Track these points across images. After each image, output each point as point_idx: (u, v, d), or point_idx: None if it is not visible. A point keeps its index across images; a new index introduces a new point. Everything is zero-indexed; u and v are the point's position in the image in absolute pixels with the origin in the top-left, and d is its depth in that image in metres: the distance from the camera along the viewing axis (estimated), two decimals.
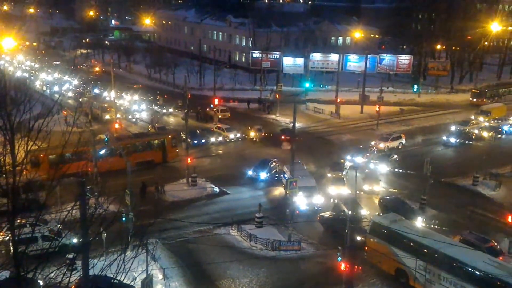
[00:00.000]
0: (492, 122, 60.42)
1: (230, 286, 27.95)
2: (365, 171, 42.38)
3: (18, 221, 14.05)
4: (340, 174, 41.99)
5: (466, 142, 53.94)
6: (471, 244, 28.41)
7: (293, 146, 36.08)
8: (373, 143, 51.63)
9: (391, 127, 60.80)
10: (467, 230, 31.77)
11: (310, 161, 47.47)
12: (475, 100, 72.53)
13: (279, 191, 41.20)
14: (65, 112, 55.73)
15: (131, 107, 66.94)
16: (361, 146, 50.14)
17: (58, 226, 27.85)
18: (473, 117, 61.88)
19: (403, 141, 53.15)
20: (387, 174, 43.68)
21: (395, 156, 47.15)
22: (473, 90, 75.08)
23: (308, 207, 36.86)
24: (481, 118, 61.32)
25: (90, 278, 14.74)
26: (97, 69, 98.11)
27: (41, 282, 16.84)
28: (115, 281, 14.81)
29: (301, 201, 36.84)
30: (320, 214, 35.68)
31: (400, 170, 43.64)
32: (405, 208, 34.83)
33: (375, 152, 49.12)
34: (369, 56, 75.03)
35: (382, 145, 50.77)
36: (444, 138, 55.03)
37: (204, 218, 36.10)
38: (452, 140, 54.39)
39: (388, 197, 37.81)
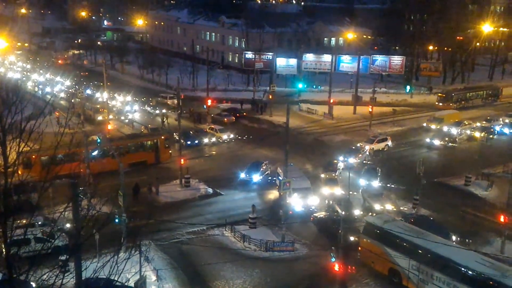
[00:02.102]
0: (484, 123, 60.65)
1: (223, 287, 27.90)
2: (363, 186, 39.96)
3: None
4: (333, 174, 42.04)
5: (450, 144, 53.08)
6: None
7: (287, 147, 36.06)
8: (358, 145, 51.21)
9: (383, 127, 61.03)
10: None
11: (303, 162, 47.53)
12: (441, 104, 69.72)
13: (272, 192, 41.17)
14: (57, 113, 55.48)
15: (124, 108, 66.73)
16: (353, 147, 50.23)
17: (51, 227, 27.77)
18: (425, 124, 60.63)
19: (389, 143, 52.68)
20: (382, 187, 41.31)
21: (378, 169, 43.69)
22: (439, 94, 72.51)
23: (304, 208, 36.84)
24: (433, 126, 59.38)
25: (92, 280, 14.66)
26: (59, 61, 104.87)
27: (33, 284, 16.71)
28: (118, 283, 14.74)
29: (296, 203, 36.85)
30: (314, 214, 35.76)
31: (393, 185, 41.59)
32: (435, 228, 31.13)
33: (367, 153, 49.20)
34: (361, 57, 75.30)
35: (367, 147, 50.29)
36: (428, 140, 54.46)
37: (198, 219, 36.02)
38: (436, 142, 53.66)
39: (415, 216, 34.57)
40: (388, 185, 41.20)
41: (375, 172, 42.18)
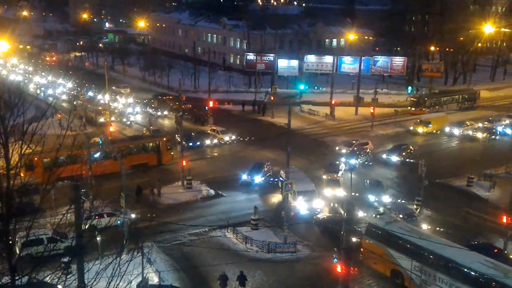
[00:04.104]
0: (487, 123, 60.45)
1: None
2: (388, 206, 36.86)
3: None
4: (335, 175, 41.96)
5: (407, 160, 46.92)
6: None
7: (289, 148, 36.02)
8: (336, 148, 50.23)
9: (385, 128, 61.04)
10: None
11: (305, 163, 47.44)
12: (413, 109, 67.48)
13: (274, 193, 41.13)
14: (59, 115, 55.56)
15: (126, 110, 66.83)
16: (355, 148, 50.10)
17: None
18: (411, 128, 59.53)
19: (370, 147, 50.80)
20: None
21: (381, 181, 41.50)
22: (411, 99, 69.93)
23: (309, 211, 36.69)
24: (419, 129, 58.22)
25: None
26: (54, 58, 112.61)
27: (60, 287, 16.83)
28: None
29: (301, 206, 36.78)
30: (316, 215, 35.73)
31: (403, 201, 38.87)
32: (504, 258, 28.01)
33: (369, 154, 49.08)
34: (363, 58, 75.29)
35: (344, 150, 49.33)
36: (384, 156, 49.06)
37: (200, 221, 36.02)
38: (394, 158, 48.15)
39: (475, 242, 30.95)
40: (399, 200, 39.00)
41: (382, 186, 40.06)
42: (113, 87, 77.00)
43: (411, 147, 50.75)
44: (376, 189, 39.30)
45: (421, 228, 32.70)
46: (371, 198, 38.23)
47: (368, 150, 49.50)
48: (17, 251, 18.33)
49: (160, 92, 79.93)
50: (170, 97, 72.23)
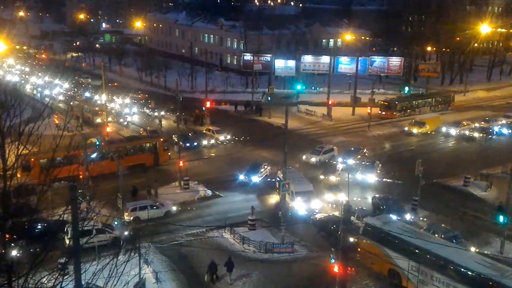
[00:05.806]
0: (483, 123, 60.65)
1: None
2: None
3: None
4: (334, 179, 41.87)
5: (385, 179, 43.30)
6: None
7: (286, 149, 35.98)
8: (304, 157, 48.37)
9: (382, 128, 61.12)
10: None
11: (301, 163, 47.46)
12: (384, 113, 65.53)
13: (272, 194, 41.13)
14: (56, 121, 55.02)
15: (123, 111, 66.75)
16: (352, 149, 50.06)
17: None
18: (406, 128, 59.10)
19: (335, 154, 48.78)
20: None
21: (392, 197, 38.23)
22: (382, 102, 67.56)
23: (307, 212, 36.64)
24: (414, 130, 57.92)
25: None
26: (43, 56, 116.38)
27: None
28: None
29: (299, 206, 36.77)
30: (313, 216, 35.74)
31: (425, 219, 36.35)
32: None
33: (366, 154, 49.08)
34: (360, 58, 75.33)
35: (314, 159, 47.66)
36: (358, 176, 42.26)
37: (197, 221, 36.00)
38: (372, 179, 42.56)
39: None
40: (420, 218, 36.17)
41: (399, 204, 36.72)
42: (76, 77, 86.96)
43: (379, 163, 46.00)
44: (396, 207, 35.88)
45: (470, 249, 29.74)
46: (393, 217, 33.51)
47: (365, 151, 49.45)
48: (66, 241, 18.96)
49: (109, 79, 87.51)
50: (115, 83, 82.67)
